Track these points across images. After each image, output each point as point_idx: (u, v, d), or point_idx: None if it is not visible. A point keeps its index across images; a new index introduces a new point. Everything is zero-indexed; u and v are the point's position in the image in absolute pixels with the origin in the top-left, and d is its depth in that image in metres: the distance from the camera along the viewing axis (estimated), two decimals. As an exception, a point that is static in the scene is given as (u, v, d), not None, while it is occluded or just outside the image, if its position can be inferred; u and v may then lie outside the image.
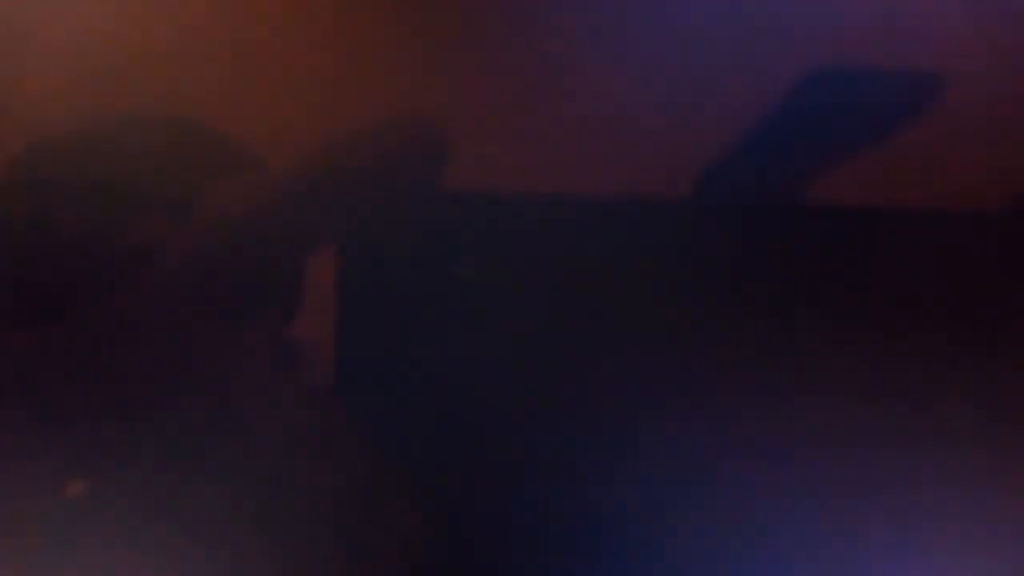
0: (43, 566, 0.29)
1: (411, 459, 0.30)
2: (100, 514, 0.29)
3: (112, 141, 0.30)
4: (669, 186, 0.31)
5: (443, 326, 0.31)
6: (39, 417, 0.29)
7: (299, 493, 0.30)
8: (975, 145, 0.31)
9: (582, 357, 0.31)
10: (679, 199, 0.31)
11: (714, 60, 0.31)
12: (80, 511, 0.29)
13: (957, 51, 0.31)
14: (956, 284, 0.31)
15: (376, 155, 0.30)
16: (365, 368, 0.31)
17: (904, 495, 0.30)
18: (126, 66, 0.31)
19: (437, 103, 0.31)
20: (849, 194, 0.31)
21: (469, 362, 0.31)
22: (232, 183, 0.30)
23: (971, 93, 0.31)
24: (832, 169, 0.31)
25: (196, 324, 0.29)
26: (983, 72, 0.31)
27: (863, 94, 0.32)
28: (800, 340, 0.31)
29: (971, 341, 0.30)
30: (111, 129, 0.30)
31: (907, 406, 0.30)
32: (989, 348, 0.30)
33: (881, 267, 0.31)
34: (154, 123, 0.30)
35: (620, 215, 0.31)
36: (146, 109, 0.31)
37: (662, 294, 0.31)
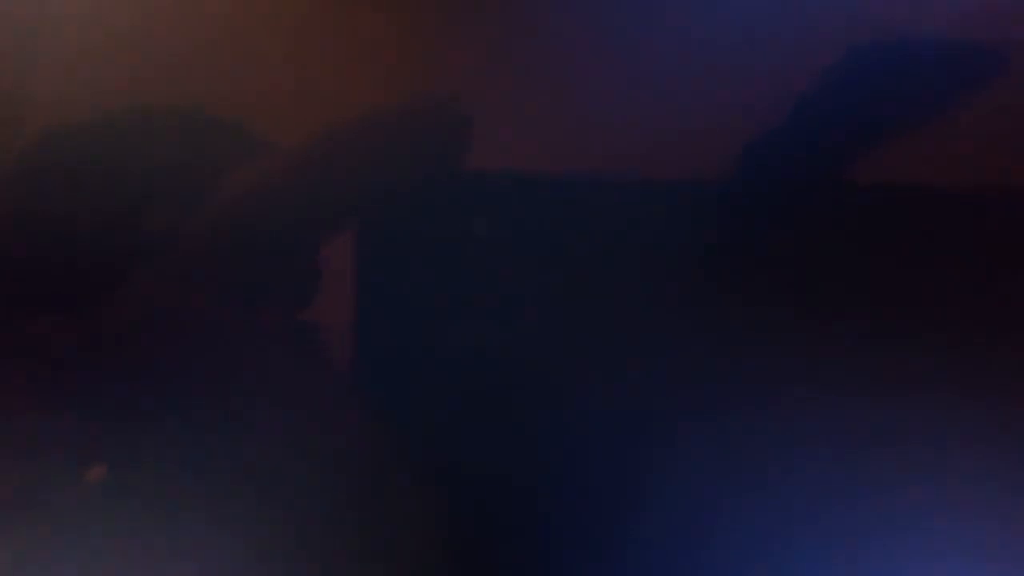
0: (59, 556, 0.30)
1: (430, 449, 0.30)
2: (116, 505, 0.30)
3: (124, 130, 0.30)
4: (700, 165, 0.31)
5: (462, 310, 0.31)
6: (54, 408, 0.30)
7: (316, 484, 0.30)
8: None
9: (607, 346, 0.31)
10: (711, 179, 0.31)
11: (749, 34, 0.31)
12: (96, 502, 0.30)
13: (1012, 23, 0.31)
14: (1004, 269, 0.30)
15: (388, 137, 0.30)
16: (384, 353, 0.31)
17: (910, 491, 0.30)
18: (136, 56, 0.31)
19: (451, 81, 0.31)
20: (895, 174, 0.31)
21: (489, 348, 0.31)
22: (245, 169, 0.30)
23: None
24: (876, 148, 0.31)
25: (212, 311, 0.30)
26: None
27: (912, 70, 0.31)
28: (814, 330, 0.30)
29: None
30: (123, 118, 0.30)
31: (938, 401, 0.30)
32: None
33: (916, 250, 0.30)
34: (165, 111, 0.30)
35: (647, 196, 0.31)
36: (157, 98, 0.31)
37: (685, 278, 0.31)
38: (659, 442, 0.30)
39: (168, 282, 0.30)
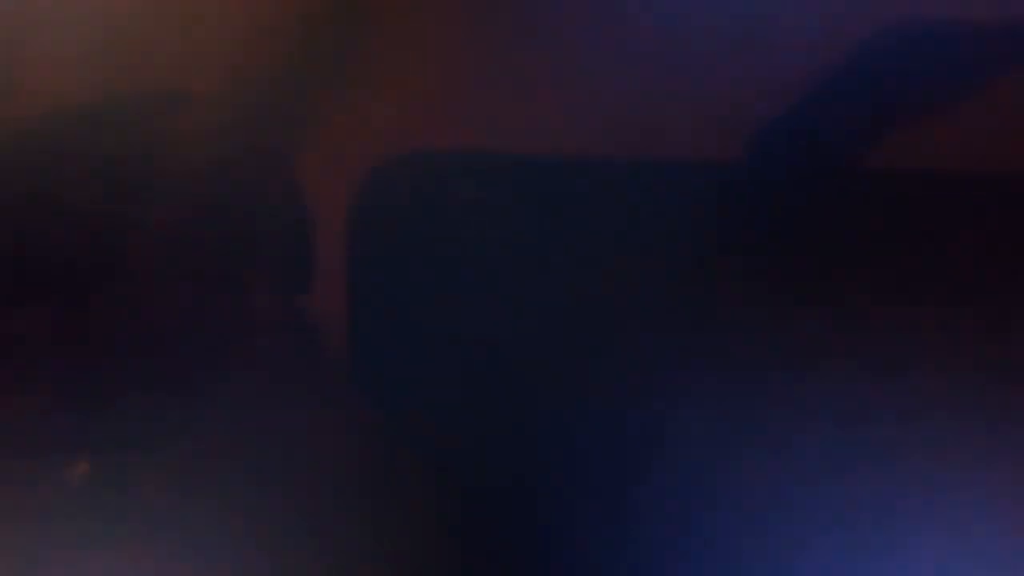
0: (58, 555, 0.30)
1: (428, 445, 0.30)
2: (107, 498, 0.30)
3: (116, 123, 0.30)
4: (704, 154, 0.31)
5: (459, 297, 0.31)
6: (50, 402, 0.30)
7: (313, 480, 0.30)
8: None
9: (605, 337, 0.30)
10: (716, 168, 0.31)
11: (756, 19, 0.31)
12: (85, 495, 0.29)
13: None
14: (1009, 259, 0.30)
15: (378, 118, 0.30)
16: (379, 347, 0.30)
17: (912, 482, 0.30)
18: (130, 50, 0.31)
19: (452, 69, 0.31)
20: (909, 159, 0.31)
21: (488, 343, 0.30)
22: (236, 154, 0.30)
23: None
24: (882, 136, 0.31)
25: (205, 299, 0.29)
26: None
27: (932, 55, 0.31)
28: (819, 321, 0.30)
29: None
30: (116, 111, 0.30)
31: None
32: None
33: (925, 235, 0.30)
34: (155, 98, 0.30)
35: (650, 189, 0.31)
36: (145, 85, 0.31)
37: (687, 270, 0.30)
38: (659, 439, 0.30)
39: (162, 275, 0.30)
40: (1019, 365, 0.30)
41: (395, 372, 0.30)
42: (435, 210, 0.31)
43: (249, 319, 0.30)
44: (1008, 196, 0.31)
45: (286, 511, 0.30)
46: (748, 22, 0.31)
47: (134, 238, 0.30)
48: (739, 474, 0.30)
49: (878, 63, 0.31)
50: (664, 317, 0.30)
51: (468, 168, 0.31)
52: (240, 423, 0.30)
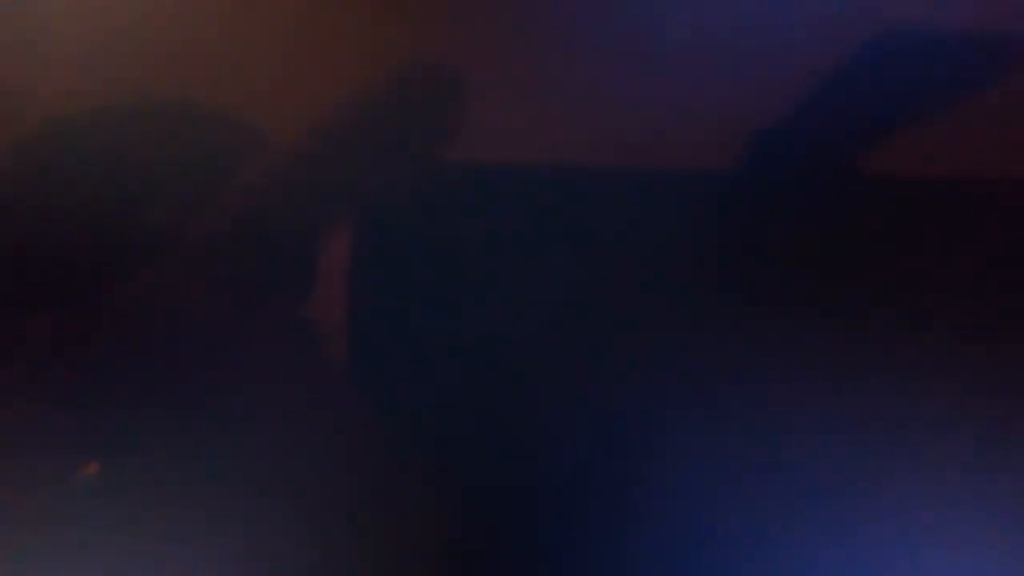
0: (59, 555, 0.30)
1: (428, 447, 0.30)
2: (113, 504, 0.29)
3: (122, 127, 0.30)
4: (704, 157, 0.31)
5: (460, 305, 0.31)
6: (53, 404, 0.30)
7: (314, 482, 0.30)
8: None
9: (605, 340, 0.30)
10: (716, 173, 0.31)
11: (757, 24, 0.31)
12: (92, 498, 0.29)
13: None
14: (1008, 262, 0.30)
15: (383, 126, 0.30)
16: (381, 350, 0.30)
17: (911, 486, 0.30)
18: (135, 52, 0.31)
19: (452, 74, 0.31)
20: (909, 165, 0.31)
21: (488, 344, 0.30)
22: (244, 166, 0.30)
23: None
24: (882, 141, 0.31)
25: (211, 309, 0.29)
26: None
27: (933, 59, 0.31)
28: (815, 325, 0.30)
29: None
30: (121, 115, 0.30)
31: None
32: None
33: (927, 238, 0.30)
34: (164, 108, 0.30)
35: (650, 190, 0.31)
36: (156, 94, 0.31)
37: (687, 274, 0.30)
38: (659, 440, 0.30)
39: (166, 279, 0.30)
40: (1020, 367, 0.30)
41: (395, 373, 0.30)
42: (436, 215, 0.31)
43: (251, 321, 0.30)
44: (1008, 199, 0.31)
45: (287, 511, 0.30)
46: (747, 28, 0.31)
47: (136, 240, 0.30)
48: (738, 475, 0.30)
49: (877, 68, 0.31)
50: (664, 319, 0.30)
51: (470, 175, 0.31)
52: (241, 424, 0.30)
